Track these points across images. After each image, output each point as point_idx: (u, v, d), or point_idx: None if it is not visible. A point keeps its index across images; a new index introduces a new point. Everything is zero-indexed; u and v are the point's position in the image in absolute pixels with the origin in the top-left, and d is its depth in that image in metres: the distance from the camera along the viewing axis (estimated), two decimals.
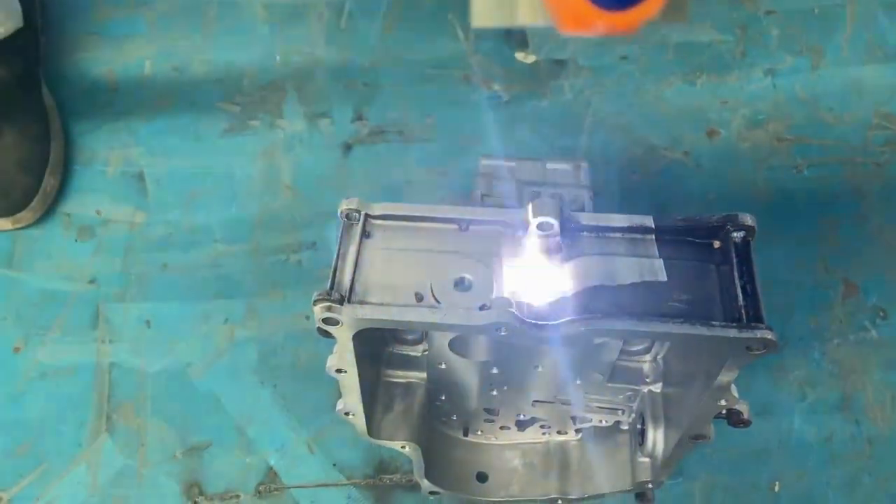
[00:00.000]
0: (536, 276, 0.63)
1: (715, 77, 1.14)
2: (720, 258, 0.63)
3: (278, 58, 1.16)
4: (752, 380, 0.95)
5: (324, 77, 1.14)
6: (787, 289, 1.00)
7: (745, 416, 0.68)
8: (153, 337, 1.00)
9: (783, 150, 1.08)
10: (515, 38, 1.16)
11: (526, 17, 0.50)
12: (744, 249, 0.63)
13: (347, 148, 1.10)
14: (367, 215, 0.65)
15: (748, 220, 0.63)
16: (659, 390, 0.78)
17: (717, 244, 0.64)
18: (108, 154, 1.10)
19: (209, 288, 1.02)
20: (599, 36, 0.50)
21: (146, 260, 1.04)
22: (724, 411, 0.69)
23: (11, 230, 1.05)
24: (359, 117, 1.12)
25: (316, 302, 0.59)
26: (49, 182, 1.06)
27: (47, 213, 1.06)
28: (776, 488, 0.91)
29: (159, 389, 0.97)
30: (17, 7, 1.07)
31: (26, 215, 1.04)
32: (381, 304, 0.61)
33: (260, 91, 1.14)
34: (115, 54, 1.16)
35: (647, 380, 0.78)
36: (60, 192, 1.08)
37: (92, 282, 1.03)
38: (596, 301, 0.60)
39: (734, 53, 1.15)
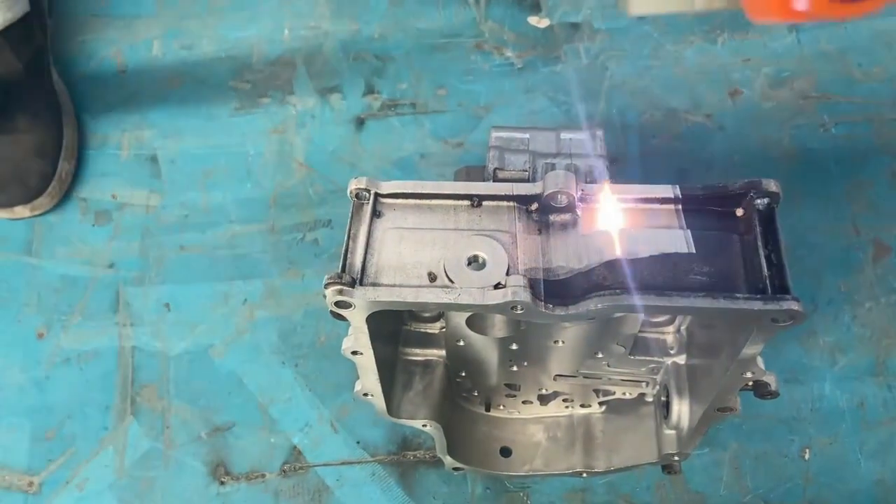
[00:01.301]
0: (552, 251, 0.61)
1: (736, 35, 1.10)
2: (743, 227, 0.61)
3: (286, 32, 1.14)
4: (782, 346, 0.93)
5: (333, 51, 1.12)
6: (816, 252, 0.97)
7: (773, 387, 0.66)
8: (173, 319, 1.00)
9: (809, 109, 1.04)
10: (527, 1, 1.13)
11: (706, 1, 0.44)
12: (768, 217, 0.60)
13: (360, 122, 1.08)
14: (376, 194, 0.63)
15: (772, 185, 0.60)
16: (683, 362, 0.76)
17: (739, 212, 0.62)
18: (120, 137, 1.10)
19: (227, 269, 1.02)
20: (800, 21, 0.44)
21: (163, 242, 1.04)
22: (750, 383, 0.67)
23: (30, 217, 1.05)
24: (370, 91, 1.10)
25: (327, 285, 0.58)
26: (64, 167, 1.06)
27: (64, 198, 1.07)
28: (807, 455, 0.89)
29: (182, 371, 0.97)
30: None
31: (43, 202, 1.05)
32: (394, 286, 0.59)
33: (269, 67, 1.12)
34: (123, 35, 1.15)
35: (671, 351, 0.76)
36: (75, 177, 1.08)
37: (111, 266, 1.03)
38: (614, 275, 0.59)
39: None
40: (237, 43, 1.14)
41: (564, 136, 0.74)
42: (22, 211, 1.04)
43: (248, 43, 1.14)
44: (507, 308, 0.58)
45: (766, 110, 1.05)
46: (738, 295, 0.57)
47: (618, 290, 0.57)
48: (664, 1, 0.44)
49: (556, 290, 0.59)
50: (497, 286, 0.58)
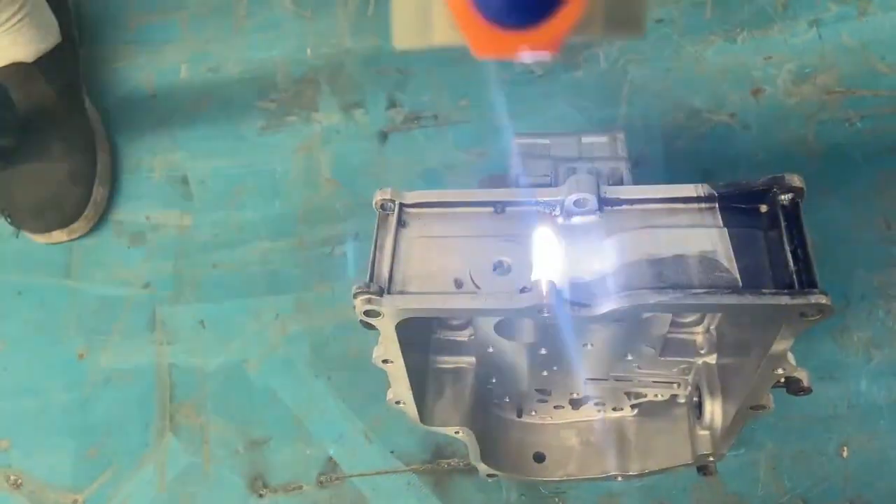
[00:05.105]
0: (577, 254, 0.62)
1: (757, 32, 1.09)
2: (768, 223, 0.61)
3: (309, 51, 1.16)
4: (816, 343, 0.92)
5: (355, 67, 1.14)
6: (847, 247, 0.96)
7: (805, 383, 0.66)
8: (209, 336, 1.02)
9: (833, 104, 1.03)
10: None
11: (442, 36, 0.46)
12: (793, 212, 0.60)
13: (384, 136, 1.10)
14: (401, 205, 0.65)
15: (795, 180, 0.60)
16: (714, 362, 0.76)
17: (764, 208, 0.62)
18: (152, 160, 1.13)
19: (259, 284, 1.04)
20: (520, 60, 0.44)
21: (196, 261, 1.06)
22: (782, 380, 0.66)
23: (67, 241, 1.08)
24: (393, 104, 1.11)
25: (356, 295, 0.59)
26: (99, 192, 1.09)
27: (99, 222, 1.09)
28: (845, 454, 0.88)
29: (218, 387, 0.99)
30: (55, 22, 1.09)
31: (80, 226, 1.07)
32: (421, 294, 0.60)
33: (294, 86, 1.14)
34: (152, 61, 1.18)
35: (702, 351, 0.76)
36: (110, 200, 1.11)
37: (146, 286, 1.05)
38: (640, 276, 0.59)
39: (775, 6, 1.10)
40: (262, 64, 1.16)
41: (585, 140, 0.74)
42: (59, 235, 1.07)
43: (273, 63, 1.16)
44: (534, 311, 0.58)
45: (789, 107, 1.04)
46: (764, 291, 0.57)
47: (643, 290, 0.57)
48: (413, 36, 0.46)
49: (582, 292, 0.59)
50: (523, 290, 0.59)
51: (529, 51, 0.42)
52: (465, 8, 0.41)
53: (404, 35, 0.46)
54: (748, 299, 0.56)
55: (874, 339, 0.92)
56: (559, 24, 0.40)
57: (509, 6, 0.39)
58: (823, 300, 0.55)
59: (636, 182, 0.71)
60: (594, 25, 0.42)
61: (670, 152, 1.03)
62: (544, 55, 0.42)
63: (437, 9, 0.44)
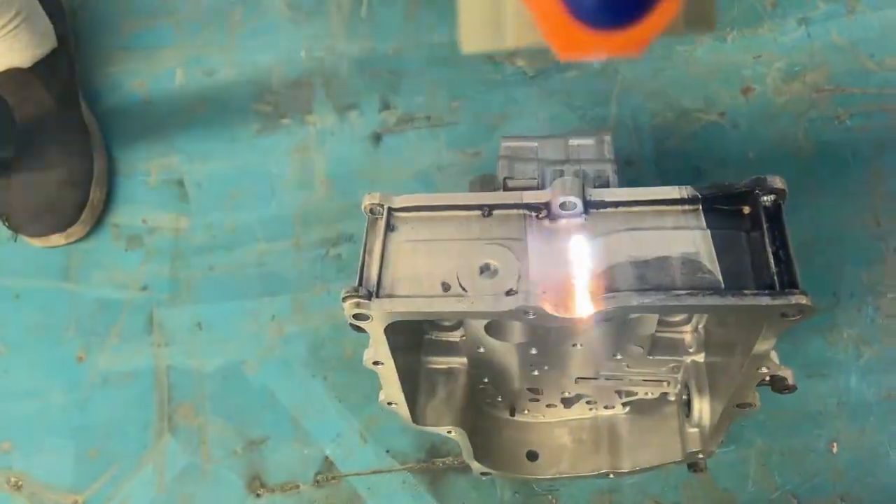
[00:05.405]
0: (562, 256, 0.63)
1: (746, 31, 1.10)
2: (750, 224, 0.62)
3: (303, 54, 1.17)
4: (805, 340, 0.93)
5: (349, 69, 1.15)
6: (836, 244, 0.97)
7: (790, 382, 0.67)
8: (206, 338, 1.03)
9: (823, 102, 1.04)
10: None
11: (518, 39, 0.46)
12: (774, 213, 0.61)
13: (378, 138, 1.11)
14: (389, 209, 0.66)
15: (777, 182, 0.61)
16: (702, 360, 0.77)
17: (746, 210, 0.63)
18: (148, 163, 1.14)
19: (255, 286, 1.05)
20: (601, 60, 0.43)
21: (193, 263, 1.07)
22: (767, 378, 0.67)
23: (65, 245, 1.09)
24: (386, 106, 1.12)
25: (345, 299, 0.61)
26: (96, 196, 1.10)
27: (96, 225, 1.10)
28: (835, 450, 0.89)
29: (216, 388, 1.00)
30: (51, 28, 1.10)
31: (77, 229, 1.09)
32: (409, 297, 0.61)
33: (288, 89, 1.15)
34: (147, 65, 1.19)
35: (690, 350, 0.77)
36: (107, 204, 1.12)
37: (144, 289, 1.07)
38: (623, 278, 0.60)
39: (764, 5, 1.11)
40: (256, 67, 1.17)
41: (573, 142, 0.75)
42: (57, 239, 1.08)
43: (267, 66, 1.17)
44: (520, 314, 0.59)
45: (779, 105, 1.05)
46: (746, 291, 0.57)
47: (627, 292, 0.58)
48: (483, 40, 0.45)
49: (567, 293, 0.60)
50: (509, 293, 0.60)
51: (618, 51, 0.41)
52: (553, 9, 0.39)
53: (472, 39, 0.46)
54: (730, 300, 0.57)
55: (863, 336, 0.93)
56: (652, 23, 0.39)
57: (603, 7, 0.38)
58: (804, 300, 0.56)
59: (626, 182, 0.72)
60: (678, 23, 0.42)
61: (661, 151, 1.04)
62: (631, 54, 0.41)
63: (512, 10, 0.44)
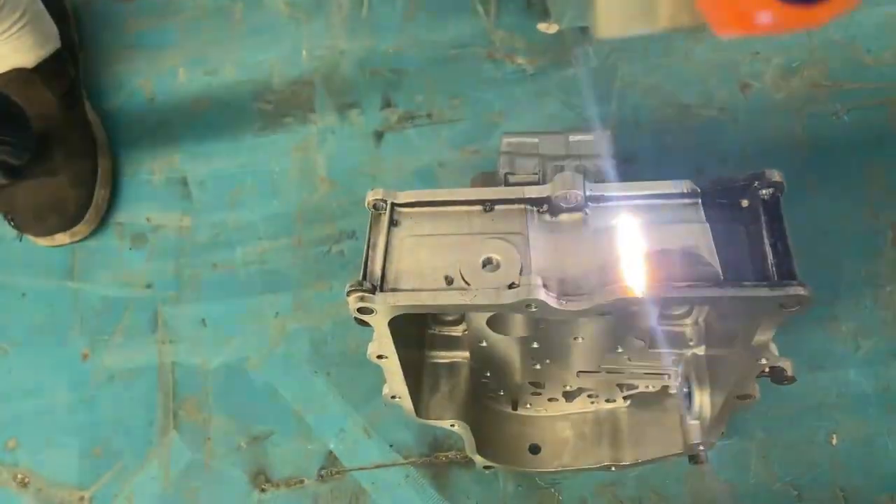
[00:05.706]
0: (563, 250, 0.64)
1: None
2: (749, 217, 0.63)
3: (304, 53, 1.18)
4: (804, 333, 0.93)
5: (350, 68, 1.16)
6: (834, 238, 0.98)
7: (789, 373, 0.68)
8: (210, 335, 1.04)
9: (821, 97, 1.05)
10: (536, 8, 1.15)
11: (671, 19, 0.45)
12: (773, 206, 0.62)
13: (379, 136, 1.11)
14: (393, 204, 0.66)
15: (775, 175, 0.62)
16: (703, 353, 0.78)
17: (745, 203, 0.63)
18: (151, 163, 1.14)
19: (258, 283, 1.06)
20: (764, 34, 0.43)
21: (197, 261, 1.08)
22: (766, 369, 0.68)
23: (70, 244, 1.10)
24: (387, 104, 1.13)
25: (349, 293, 0.61)
26: (100, 195, 1.11)
27: (101, 224, 1.11)
28: (834, 441, 0.90)
29: (220, 384, 1.01)
30: (55, 29, 1.11)
31: (82, 228, 1.09)
32: (413, 290, 0.62)
33: (290, 88, 1.16)
34: (150, 65, 1.20)
35: (691, 343, 0.78)
36: (111, 203, 1.13)
37: (148, 287, 1.07)
38: (623, 270, 0.61)
39: None
40: (258, 66, 1.18)
41: (573, 138, 0.76)
42: (62, 238, 1.09)
43: (269, 65, 1.18)
44: (521, 307, 0.60)
45: (778, 101, 1.06)
46: (745, 283, 0.58)
47: (627, 285, 0.59)
48: (629, 22, 0.45)
49: (568, 287, 0.61)
50: (511, 286, 0.61)
51: (789, 27, 0.41)
52: None
53: (614, 23, 0.46)
54: (729, 292, 0.58)
55: (862, 329, 0.94)
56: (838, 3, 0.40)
57: None
58: (801, 291, 0.57)
59: (625, 178, 0.72)
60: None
61: (661, 147, 1.04)
62: (798, 29, 0.41)
63: None
